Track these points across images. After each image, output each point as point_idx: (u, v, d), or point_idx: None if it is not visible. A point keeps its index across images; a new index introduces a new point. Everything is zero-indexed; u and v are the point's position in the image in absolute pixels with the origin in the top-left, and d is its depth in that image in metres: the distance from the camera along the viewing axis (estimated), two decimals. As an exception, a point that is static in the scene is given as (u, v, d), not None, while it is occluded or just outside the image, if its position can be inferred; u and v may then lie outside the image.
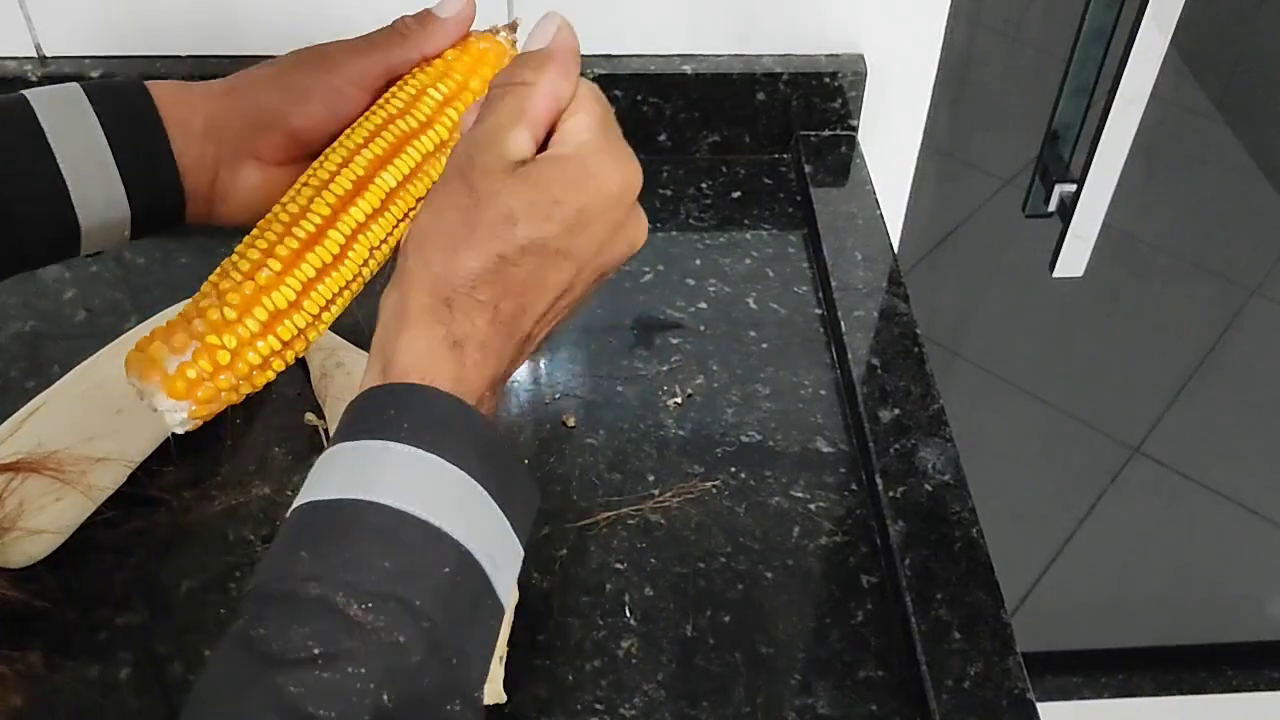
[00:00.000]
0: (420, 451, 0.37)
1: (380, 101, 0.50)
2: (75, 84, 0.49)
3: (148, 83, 0.49)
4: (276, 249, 0.45)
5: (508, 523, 0.39)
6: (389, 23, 0.52)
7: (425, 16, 0.51)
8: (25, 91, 0.48)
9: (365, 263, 0.48)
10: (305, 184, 0.47)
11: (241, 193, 0.51)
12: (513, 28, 0.53)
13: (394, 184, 0.48)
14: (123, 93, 0.49)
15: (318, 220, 0.46)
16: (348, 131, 0.49)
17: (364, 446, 0.38)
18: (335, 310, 0.47)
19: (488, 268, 0.40)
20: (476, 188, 0.41)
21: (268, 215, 0.47)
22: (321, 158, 0.48)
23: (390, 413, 0.38)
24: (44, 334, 0.72)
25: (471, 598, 0.37)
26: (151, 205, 0.49)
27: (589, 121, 0.43)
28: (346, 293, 0.47)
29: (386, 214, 0.48)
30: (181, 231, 0.78)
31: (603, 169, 0.42)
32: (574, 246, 0.41)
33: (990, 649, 0.56)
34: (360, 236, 0.47)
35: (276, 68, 0.51)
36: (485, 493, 0.38)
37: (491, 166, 0.41)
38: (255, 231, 0.47)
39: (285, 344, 0.45)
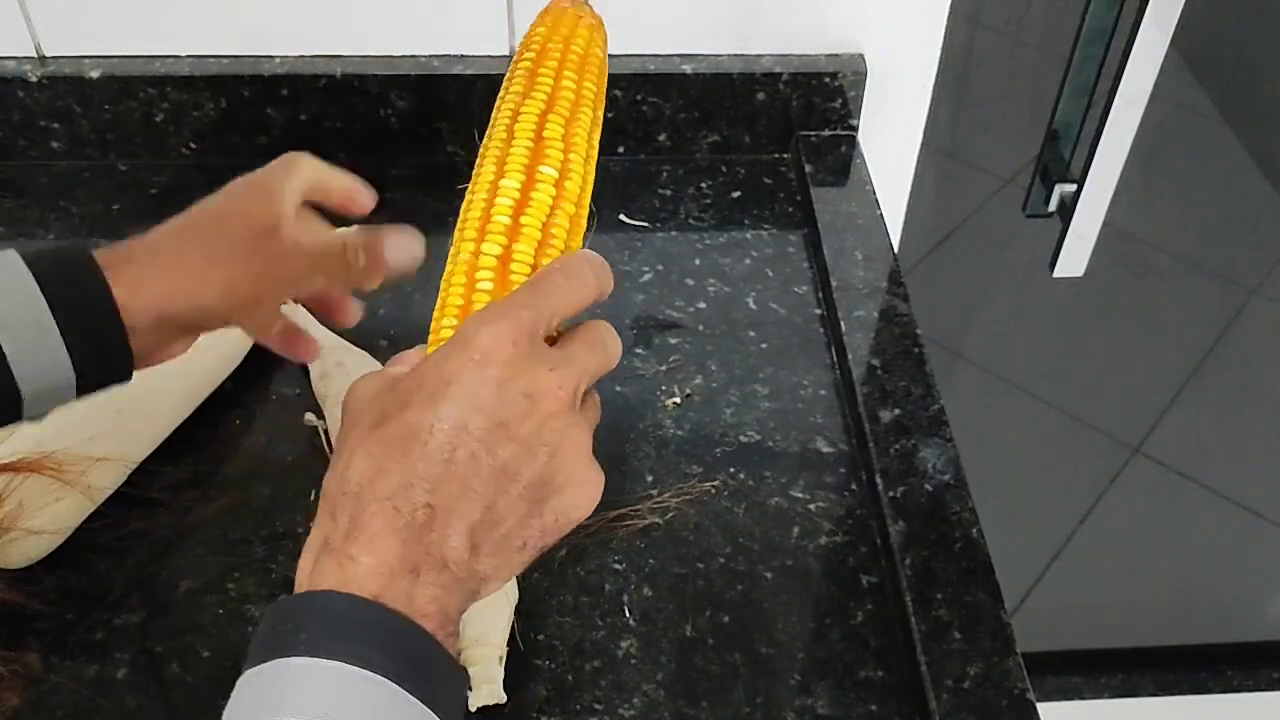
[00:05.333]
0: (320, 661, 0.37)
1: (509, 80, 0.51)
2: (13, 251, 0.49)
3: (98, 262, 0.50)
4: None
5: (428, 710, 0.38)
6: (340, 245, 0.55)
7: (377, 256, 0.56)
8: None
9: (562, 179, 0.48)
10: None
11: (175, 356, 0.55)
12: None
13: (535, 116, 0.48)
14: (67, 258, 0.49)
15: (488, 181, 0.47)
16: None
17: (266, 669, 0.38)
18: (561, 227, 0.47)
19: (361, 462, 0.41)
20: (355, 409, 0.43)
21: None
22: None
23: (288, 626, 0.38)
24: (43, 334, 0.72)
25: None
26: (98, 370, 0.50)
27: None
28: (561, 213, 0.48)
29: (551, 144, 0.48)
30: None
31: (467, 332, 0.43)
32: (443, 409, 0.41)
33: (990, 649, 0.56)
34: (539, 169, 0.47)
35: (229, 267, 0.53)
36: (395, 686, 0.38)
37: (369, 387, 0.43)
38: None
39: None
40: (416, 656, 0.39)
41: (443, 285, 0.47)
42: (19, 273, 0.48)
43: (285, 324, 0.61)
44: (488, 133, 0.49)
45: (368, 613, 0.39)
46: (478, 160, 0.49)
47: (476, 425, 0.41)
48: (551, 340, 0.45)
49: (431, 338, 0.45)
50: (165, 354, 0.54)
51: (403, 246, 0.56)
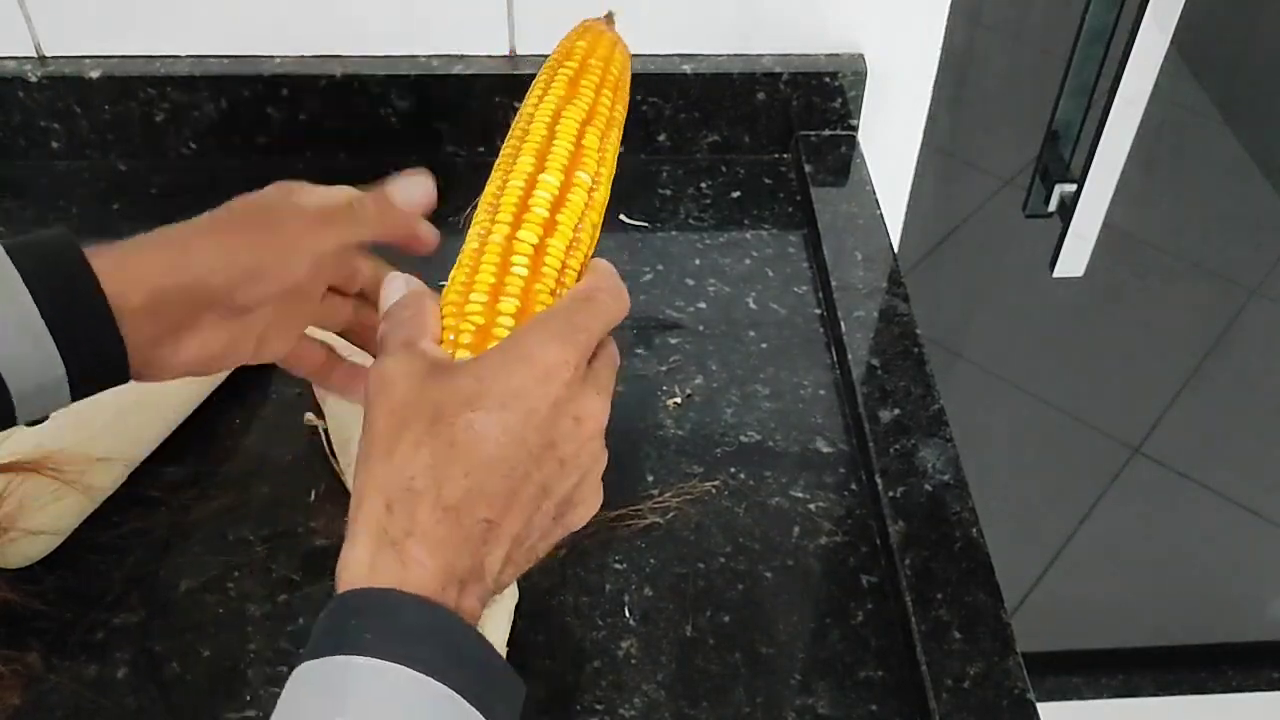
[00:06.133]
0: (384, 664, 0.37)
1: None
2: None
3: (84, 249, 0.47)
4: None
5: None
6: (342, 192, 0.52)
7: (383, 201, 0.52)
8: None
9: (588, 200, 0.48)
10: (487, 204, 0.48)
11: (181, 359, 0.49)
12: (609, 19, 0.55)
13: (574, 129, 0.49)
14: (51, 249, 0.46)
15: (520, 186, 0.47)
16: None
17: (327, 665, 0.37)
18: (587, 233, 0.48)
19: (422, 460, 0.40)
20: (399, 394, 0.41)
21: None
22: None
23: (352, 622, 0.38)
24: (43, 334, 0.72)
25: None
26: (90, 365, 0.46)
27: (541, 314, 0.45)
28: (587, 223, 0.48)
29: (586, 153, 0.49)
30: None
31: (532, 345, 0.42)
32: (509, 423, 0.41)
33: (990, 649, 0.56)
34: (572, 190, 0.48)
35: (224, 234, 0.49)
36: (456, 695, 0.37)
37: (411, 372, 0.42)
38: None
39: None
40: (478, 666, 0.39)
41: (467, 259, 0.47)
42: (4, 267, 0.45)
43: (319, 352, 0.57)
44: (519, 125, 0.50)
45: (434, 618, 0.39)
46: (508, 148, 0.49)
47: (532, 442, 0.41)
48: None
49: (451, 306, 0.45)
50: (171, 354, 0.49)
51: (409, 186, 0.54)
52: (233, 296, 0.49)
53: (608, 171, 0.50)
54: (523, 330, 0.44)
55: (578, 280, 0.48)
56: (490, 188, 0.49)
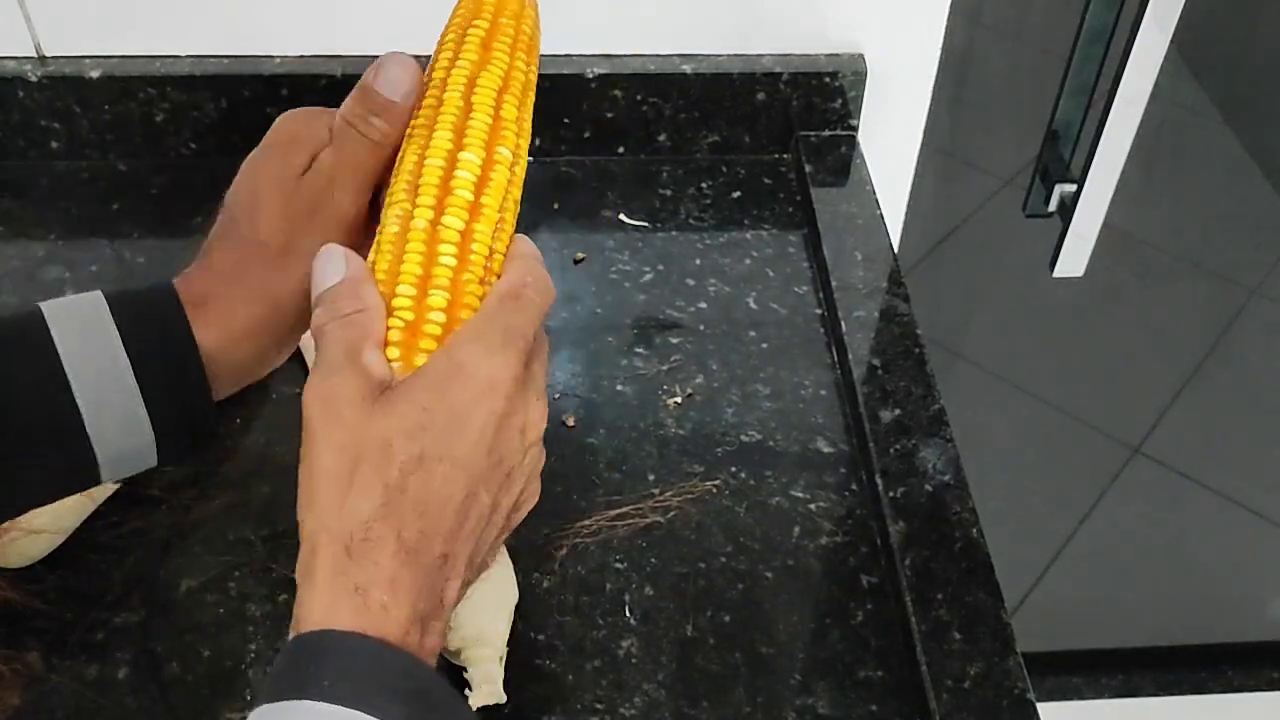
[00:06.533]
0: (341, 709, 0.36)
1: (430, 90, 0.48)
2: (99, 295, 0.44)
3: (181, 292, 0.45)
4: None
5: None
6: (343, 125, 0.48)
7: (380, 105, 0.47)
8: (43, 304, 0.44)
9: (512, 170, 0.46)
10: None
11: (261, 374, 0.49)
12: None
13: (493, 95, 0.47)
14: (153, 309, 0.45)
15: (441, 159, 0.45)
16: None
17: (281, 709, 0.36)
18: (510, 212, 0.46)
19: (376, 502, 0.39)
20: (346, 428, 0.40)
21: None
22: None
23: (310, 666, 0.37)
24: (43, 334, 0.72)
25: None
26: (180, 434, 0.46)
27: (472, 319, 0.43)
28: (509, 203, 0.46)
29: (505, 127, 0.47)
30: (182, 230, 0.79)
31: (472, 360, 0.41)
32: (456, 450, 0.40)
33: (990, 649, 0.56)
34: (497, 150, 0.46)
35: (293, 242, 0.47)
36: None
37: (356, 397, 0.40)
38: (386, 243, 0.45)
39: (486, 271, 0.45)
40: (441, 711, 0.38)
41: (388, 245, 0.44)
42: (104, 327, 0.44)
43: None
44: (432, 91, 0.47)
45: (395, 661, 0.38)
46: (421, 116, 0.47)
47: (481, 465, 0.41)
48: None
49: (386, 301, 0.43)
50: (253, 375, 0.49)
51: (388, 70, 0.48)
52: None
53: (525, 143, 0.48)
54: (458, 343, 0.42)
55: (502, 263, 0.46)
56: (406, 162, 0.46)
